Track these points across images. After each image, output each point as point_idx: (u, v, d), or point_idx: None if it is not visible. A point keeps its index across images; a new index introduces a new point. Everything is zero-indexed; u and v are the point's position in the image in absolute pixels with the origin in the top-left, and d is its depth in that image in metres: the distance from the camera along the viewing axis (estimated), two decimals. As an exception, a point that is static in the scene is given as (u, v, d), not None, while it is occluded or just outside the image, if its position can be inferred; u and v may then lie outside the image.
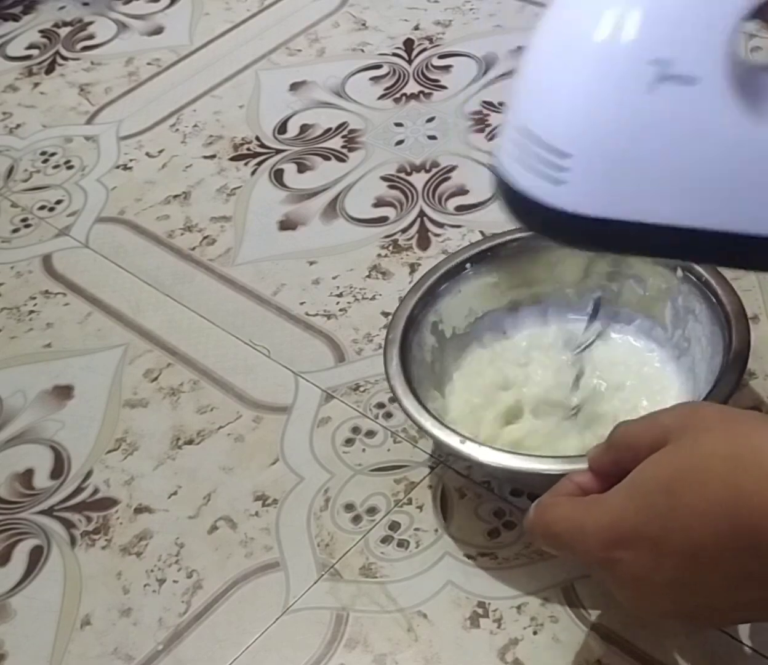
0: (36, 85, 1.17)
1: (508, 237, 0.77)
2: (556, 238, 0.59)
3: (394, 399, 0.70)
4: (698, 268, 0.71)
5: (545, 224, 0.57)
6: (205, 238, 0.94)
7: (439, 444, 0.70)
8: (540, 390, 0.73)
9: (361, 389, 0.79)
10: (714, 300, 0.70)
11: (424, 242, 0.90)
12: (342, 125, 1.04)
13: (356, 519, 0.71)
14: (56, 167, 1.05)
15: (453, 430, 0.67)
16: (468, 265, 0.77)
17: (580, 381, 0.72)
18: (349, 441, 0.76)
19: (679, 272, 0.72)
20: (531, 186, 0.55)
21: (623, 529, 0.53)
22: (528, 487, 0.69)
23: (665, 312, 0.74)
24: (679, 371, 0.72)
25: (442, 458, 0.74)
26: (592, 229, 0.55)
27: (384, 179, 0.97)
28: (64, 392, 0.83)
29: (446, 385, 0.74)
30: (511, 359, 0.76)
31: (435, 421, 0.67)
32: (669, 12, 0.52)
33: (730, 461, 0.50)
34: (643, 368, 0.73)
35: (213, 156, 1.03)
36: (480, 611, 0.65)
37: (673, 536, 0.51)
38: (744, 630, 0.62)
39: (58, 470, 0.77)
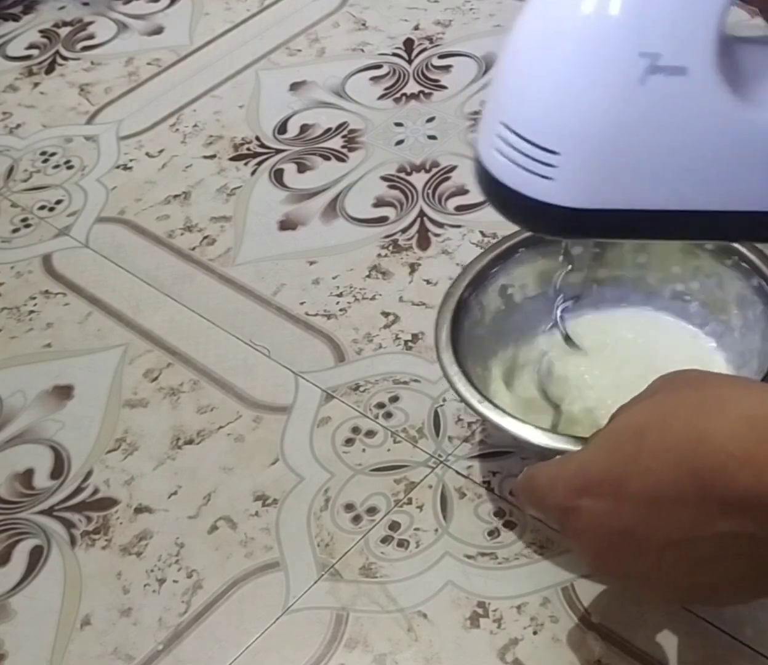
0: (36, 85, 1.17)
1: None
2: (543, 230, 0.60)
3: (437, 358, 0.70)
4: None
5: (531, 217, 0.58)
6: (205, 238, 0.94)
7: (462, 399, 0.69)
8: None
9: (361, 389, 0.79)
10: None
11: (424, 242, 0.90)
12: (342, 125, 1.04)
13: (356, 519, 0.71)
14: (56, 167, 1.05)
15: (477, 389, 0.67)
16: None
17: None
18: (349, 441, 0.76)
19: (755, 281, 0.72)
20: (516, 180, 0.56)
21: (590, 474, 0.54)
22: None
23: (738, 320, 0.73)
24: None
25: (443, 458, 0.74)
26: (582, 220, 0.56)
27: (384, 179, 0.97)
28: (64, 392, 0.83)
29: (500, 351, 0.75)
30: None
31: (463, 377, 0.68)
32: (653, 4, 0.52)
33: (696, 408, 0.51)
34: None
35: (213, 156, 1.03)
36: (480, 611, 0.65)
37: (635, 479, 0.51)
38: (744, 630, 0.62)
39: (58, 470, 0.77)
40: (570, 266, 0.67)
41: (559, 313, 0.69)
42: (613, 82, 0.53)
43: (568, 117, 0.54)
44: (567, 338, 0.70)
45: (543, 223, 0.58)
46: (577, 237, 0.64)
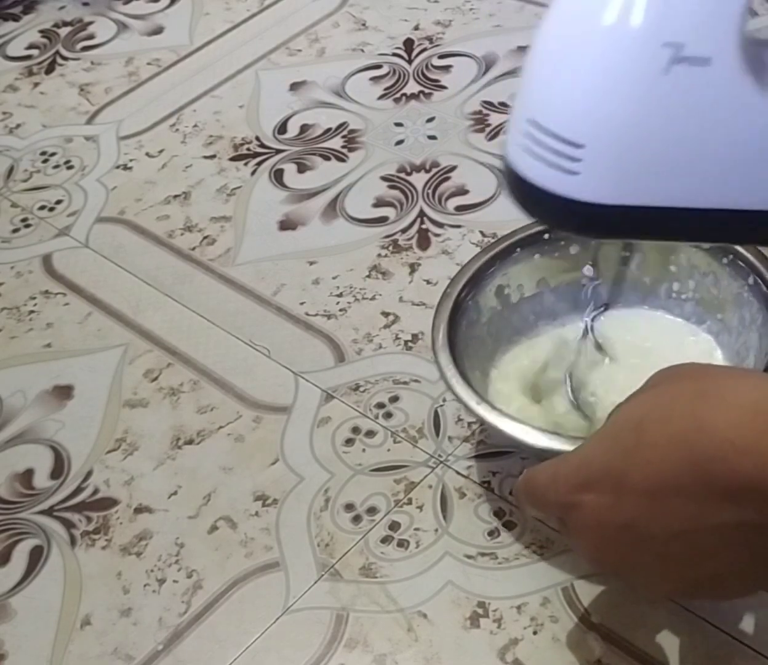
0: (36, 85, 1.17)
1: None
2: (570, 228, 0.60)
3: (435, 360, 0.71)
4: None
5: (558, 215, 0.57)
6: (205, 238, 0.94)
7: (460, 402, 0.69)
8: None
9: (361, 389, 0.79)
10: None
11: (424, 242, 0.90)
12: (342, 125, 1.04)
13: (356, 519, 0.71)
14: (56, 167, 1.05)
15: (475, 391, 0.67)
16: (546, 235, 0.76)
17: (573, 384, 0.72)
18: (349, 441, 0.76)
19: (751, 279, 0.71)
20: (543, 177, 0.56)
21: (591, 469, 0.54)
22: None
23: (734, 318, 0.73)
24: None
25: (443, 458, 0.74)
26: (607, 217, 0.55)
27: (384, 179, 0.97)
28: (64, 392, 0.83)
29: (497, 351, 0.75)
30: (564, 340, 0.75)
31: (460, 378, 0.68)
32: None
33: (695, 399, 0.50)
34: None
35: (213, 156, 1.03)
36: (480, 611, 0.65)
37: (635, 471, 0.51)
38: (744, 630, 0.62)
39: (58, 470, 0.77)
40: (599, 280, 0.67)
41: (590, 322, 0.70)
42: (636, 72, 0.52)
43: (593, 108, 0.53)
44: (599, 347, 0.71)
45: (569, 220, 0.57)
46: (601, 236, 0.63)
